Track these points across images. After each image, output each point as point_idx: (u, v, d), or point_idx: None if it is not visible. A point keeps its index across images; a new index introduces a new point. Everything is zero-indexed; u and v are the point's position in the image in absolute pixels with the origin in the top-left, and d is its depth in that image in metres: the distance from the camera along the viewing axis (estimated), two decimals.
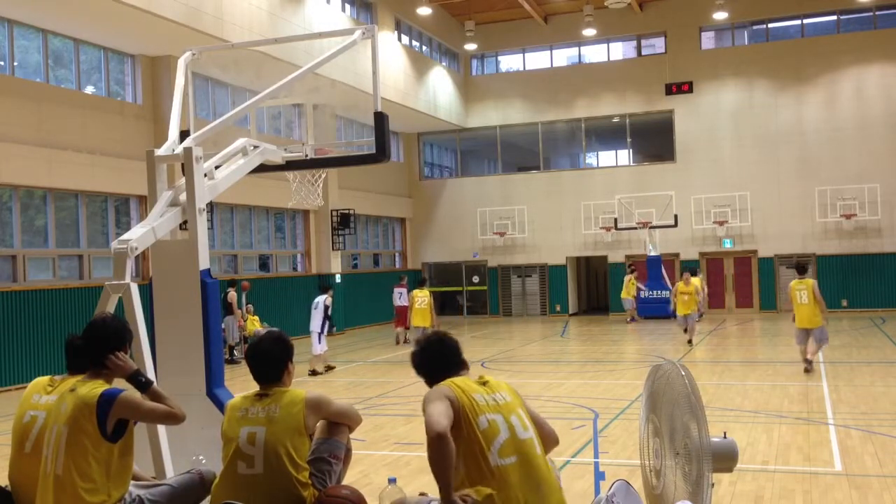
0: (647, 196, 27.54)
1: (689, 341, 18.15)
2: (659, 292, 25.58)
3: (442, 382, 4.15)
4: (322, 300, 15.73)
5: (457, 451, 3.87)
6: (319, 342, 15.40)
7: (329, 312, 15.78)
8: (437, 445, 3.75)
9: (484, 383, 4.19)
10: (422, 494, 4.23)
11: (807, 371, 13.25)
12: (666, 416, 5.11)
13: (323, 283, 17.73)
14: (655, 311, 25.31)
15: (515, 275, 30.36)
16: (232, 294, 18.64)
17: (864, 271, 26.26)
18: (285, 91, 7.15)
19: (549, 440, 4.29)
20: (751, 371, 14.45)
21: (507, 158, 31.43)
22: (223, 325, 18.35)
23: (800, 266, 13.82)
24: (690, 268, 21.76)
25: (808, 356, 13.45)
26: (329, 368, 16.09)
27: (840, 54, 26.95)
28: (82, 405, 4.32)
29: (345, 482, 4.69)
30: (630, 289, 25.45)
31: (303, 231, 25.00)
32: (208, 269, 6.13)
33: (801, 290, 13.37)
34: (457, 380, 4.16)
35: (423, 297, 17.59)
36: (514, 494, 3.86)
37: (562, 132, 30.88)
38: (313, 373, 15.47)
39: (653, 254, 26.41)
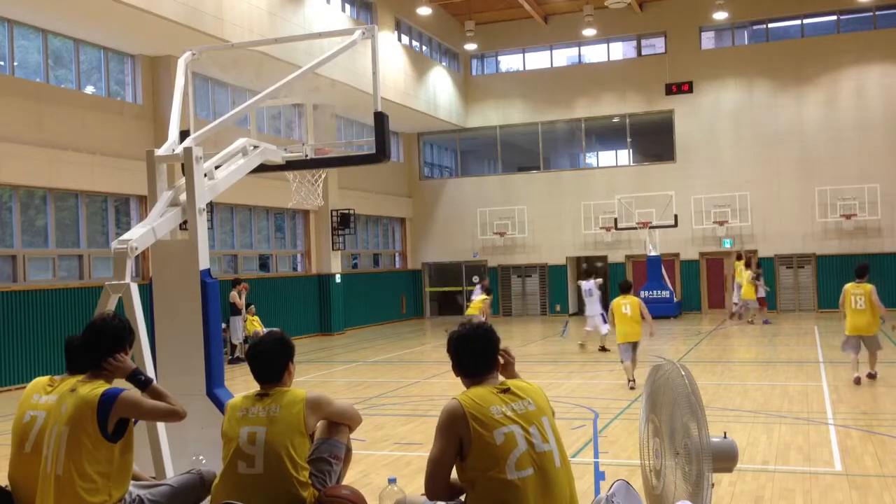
0: (647, 196, 27.55)
1: (630, 383, 12.44)
2: (659, 292, 25.64)
3: (458, 397, 4.06)
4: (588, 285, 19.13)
5: (470, 469, 3.91)
6: (605, 322, 17.32)
7: (592, 295, 18.99)
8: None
9: (505, 390, 4.07)
10: (423, 494, 4.21)
11: (858, 383, 11.94)
12: (666, 416, 5.10)
13: (590, 266, 20.18)
14: (655, 311, 25.24)
15: (515, 275, 30.36)
16: (234, 294, 18.69)
17: None
18: (285, 91, 7.15)
19: None
20: (751, 371, 14.45)
21: (507, 158, 31.43)
22: (226, 325, 18.39)
23: (860, 268, 12.34)
24: (624, 280, 13.91)
25: (871, 370, 12.31)
26: (603, 349, 17.87)
27: (840, 54, 26.95)
28: (83, 405, 4.32)
29: (345, 482, 4.69)
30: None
31: (303, 231, 25.00)
32: (208, 269, 6.13)
33: (858, 295, 12.02)
34: (473, 393, 4.05)
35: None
36: None
37: (562, 132, 30.88)
38: (602, 349, 17.86)
39: (653, 254, 26.41)
